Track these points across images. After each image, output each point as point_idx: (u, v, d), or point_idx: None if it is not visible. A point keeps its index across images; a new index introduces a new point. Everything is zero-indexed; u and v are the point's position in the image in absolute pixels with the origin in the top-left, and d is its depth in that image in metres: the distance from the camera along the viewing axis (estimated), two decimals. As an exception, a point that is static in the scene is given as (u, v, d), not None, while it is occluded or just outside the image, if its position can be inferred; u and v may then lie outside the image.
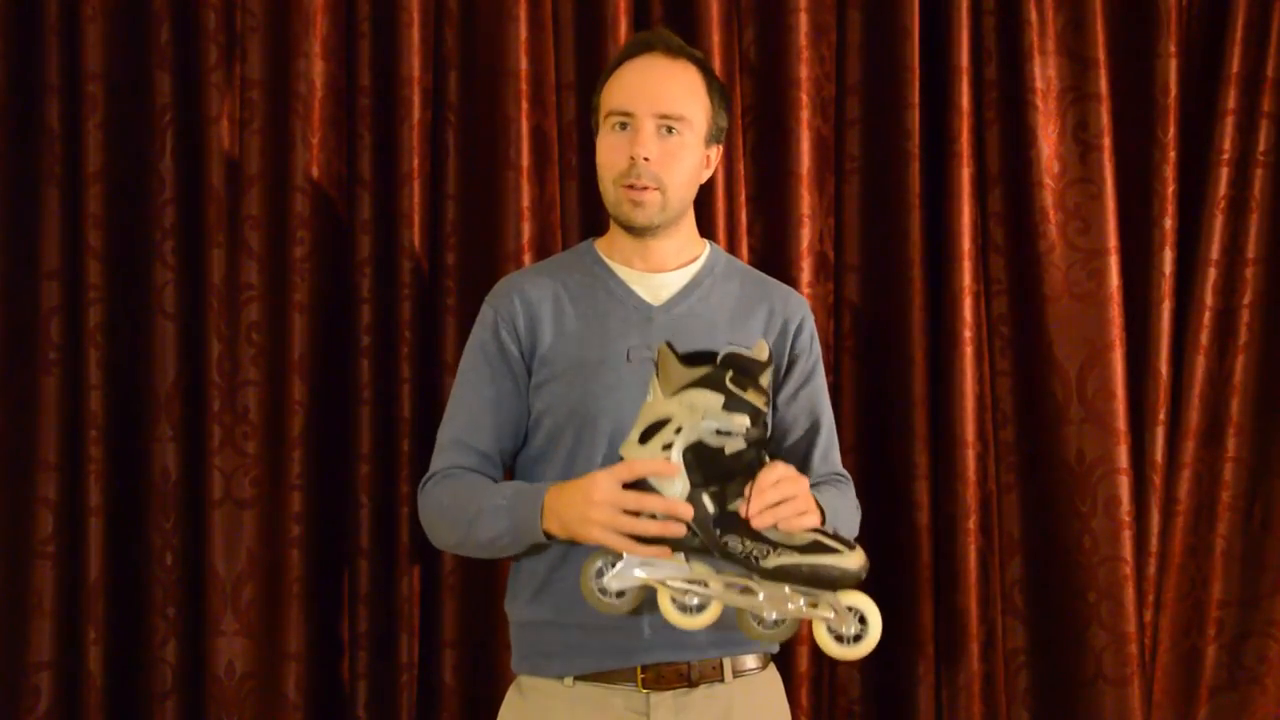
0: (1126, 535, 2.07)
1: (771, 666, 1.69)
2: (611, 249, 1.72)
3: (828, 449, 1.72)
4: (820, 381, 1.73)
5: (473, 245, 2.03)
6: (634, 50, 1.68)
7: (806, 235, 2.09)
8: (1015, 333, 2.13)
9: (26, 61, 1.99)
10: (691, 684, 1.59)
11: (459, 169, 2.05)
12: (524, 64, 2.03)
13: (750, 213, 2.12)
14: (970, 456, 2.06)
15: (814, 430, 1.71)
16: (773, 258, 2.10)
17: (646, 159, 1.61)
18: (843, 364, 2.12)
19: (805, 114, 2.09)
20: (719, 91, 1.69)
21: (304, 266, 1.98)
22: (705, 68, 1.68)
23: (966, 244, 2.08)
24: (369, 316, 2.00)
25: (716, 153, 1.72)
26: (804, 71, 2.09)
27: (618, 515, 1.45)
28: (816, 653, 2.08)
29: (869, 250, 2.13)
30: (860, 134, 2.14)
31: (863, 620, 1.42)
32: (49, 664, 1.94)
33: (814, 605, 1.42)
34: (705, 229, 2.04)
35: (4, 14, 1.99)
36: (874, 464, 2.11)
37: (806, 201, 2.09)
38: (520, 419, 1.67)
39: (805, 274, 2.08)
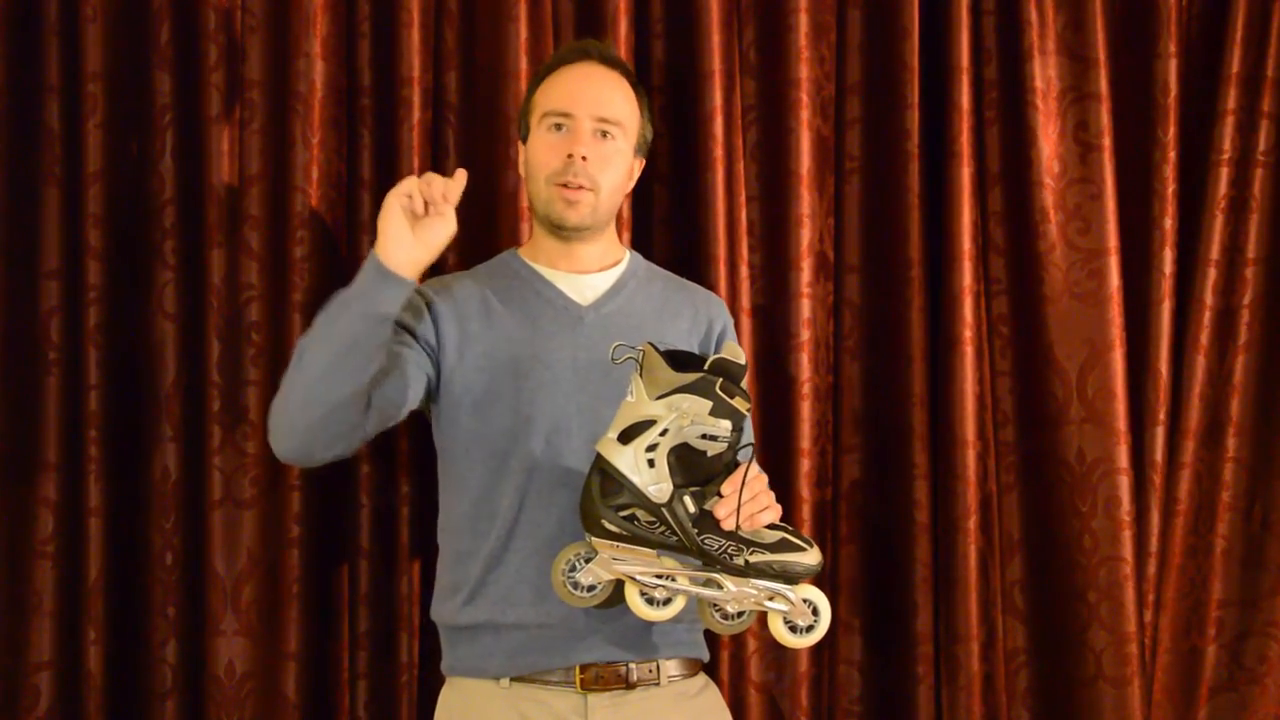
0: (1126, 535, 2.06)
1: (703, 674, 1.71)
2: (535, 254, 1.75)
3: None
4: None
5: (472, 246, 2.03)
6: (571, 57, 1.73)
7: (806, 235, 2.09)
8: (1015, 333, 2.13)
9: (26, 61, 1.99)
10: (629, 686, 1.60)
11: (458, 169, 2.05)
12: (524, 64, 2.02)
13: (750, 213, 2.12)
14: (970, 456, 2.06)
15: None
16: (773, 258, 2.10)
17: (584, 158, 1.64)
18: (843, 364, 2.12)
19: (805, 114, 2.09)
20: (647, 105, 1.76)
21: (304, 266, 1.98)
22: (635, 81, 1.74)
23: (966, 244, 2.08)
24: (369, 316, 2.00)
25: (639, 165, 1.76)
26: (804, 71, 2.09)
27: (401, 189, 1.53)
28: (817, 653, 2.08)
29: (869, 250, 2.13)
30: (860, 134, 2.14)
31: (815, 611, 1.51)
32: (49, 664, 1.94)
33: (771, 598, 1.50)
34: (705, 230, 2.04)
35: (4, 14, 1.98)
36: (874, 464, 2.11)
37: (806, 201, 2.09)
38: (399, 389, 1.61)
39: (805, 274, 2.08)
